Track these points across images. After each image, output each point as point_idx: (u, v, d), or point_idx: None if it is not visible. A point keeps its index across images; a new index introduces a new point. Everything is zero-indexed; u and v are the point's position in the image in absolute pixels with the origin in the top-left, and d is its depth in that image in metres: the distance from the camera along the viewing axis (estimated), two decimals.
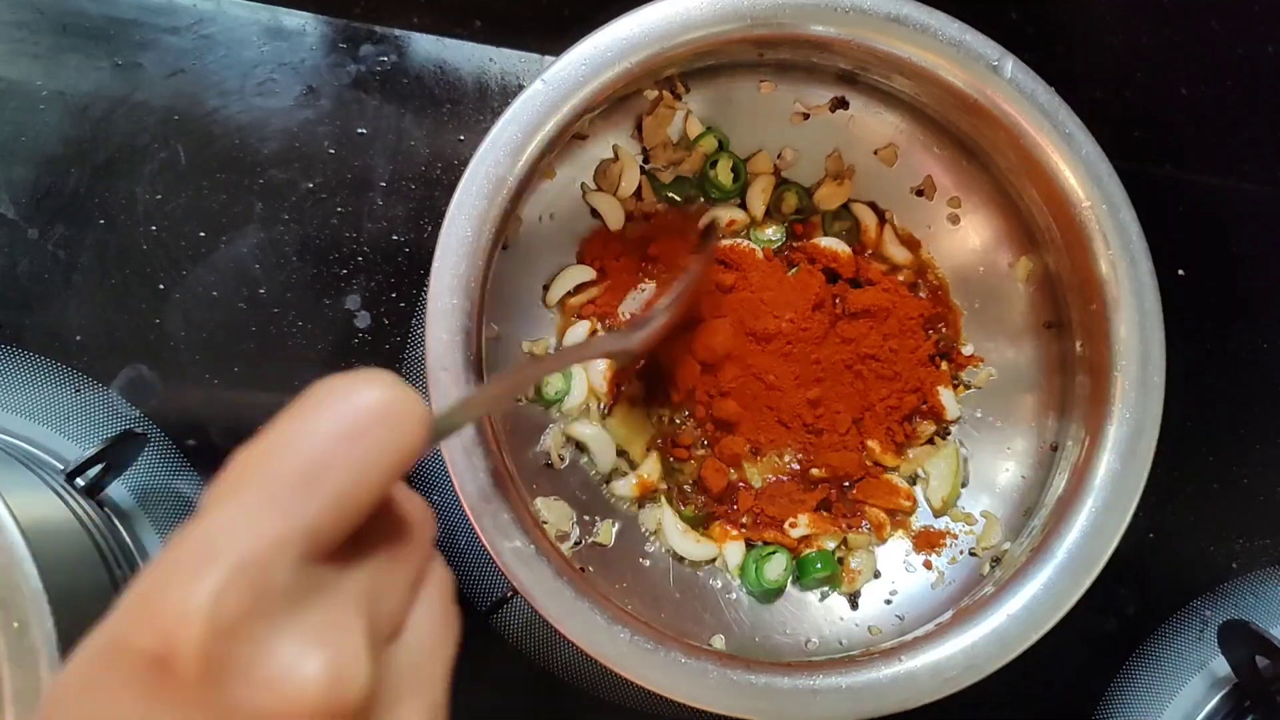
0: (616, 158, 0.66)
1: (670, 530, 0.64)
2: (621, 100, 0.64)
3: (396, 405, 0.30)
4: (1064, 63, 0.77)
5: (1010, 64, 0.59)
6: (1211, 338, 0.76)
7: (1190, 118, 0.79)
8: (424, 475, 0.69)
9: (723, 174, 0.67)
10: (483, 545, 0.53)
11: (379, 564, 0.31)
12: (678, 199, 0.68)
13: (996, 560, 0.63)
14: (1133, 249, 0.59)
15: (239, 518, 0.28)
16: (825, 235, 0.69)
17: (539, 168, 0.56)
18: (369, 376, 0.30)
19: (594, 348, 0.61)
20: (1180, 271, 0.75)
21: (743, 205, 0.69)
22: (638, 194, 0.67)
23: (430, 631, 0.33)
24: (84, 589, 0.56)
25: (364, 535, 0.31)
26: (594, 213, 0.67)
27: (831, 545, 0.66)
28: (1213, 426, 0.76)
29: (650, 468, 0.65)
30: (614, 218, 0.67)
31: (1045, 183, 0.61)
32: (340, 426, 0.29)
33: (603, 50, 0.56)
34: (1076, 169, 0.59)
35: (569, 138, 0.60)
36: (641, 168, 0.67)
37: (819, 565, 0.64)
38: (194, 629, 0.25)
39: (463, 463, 0.53)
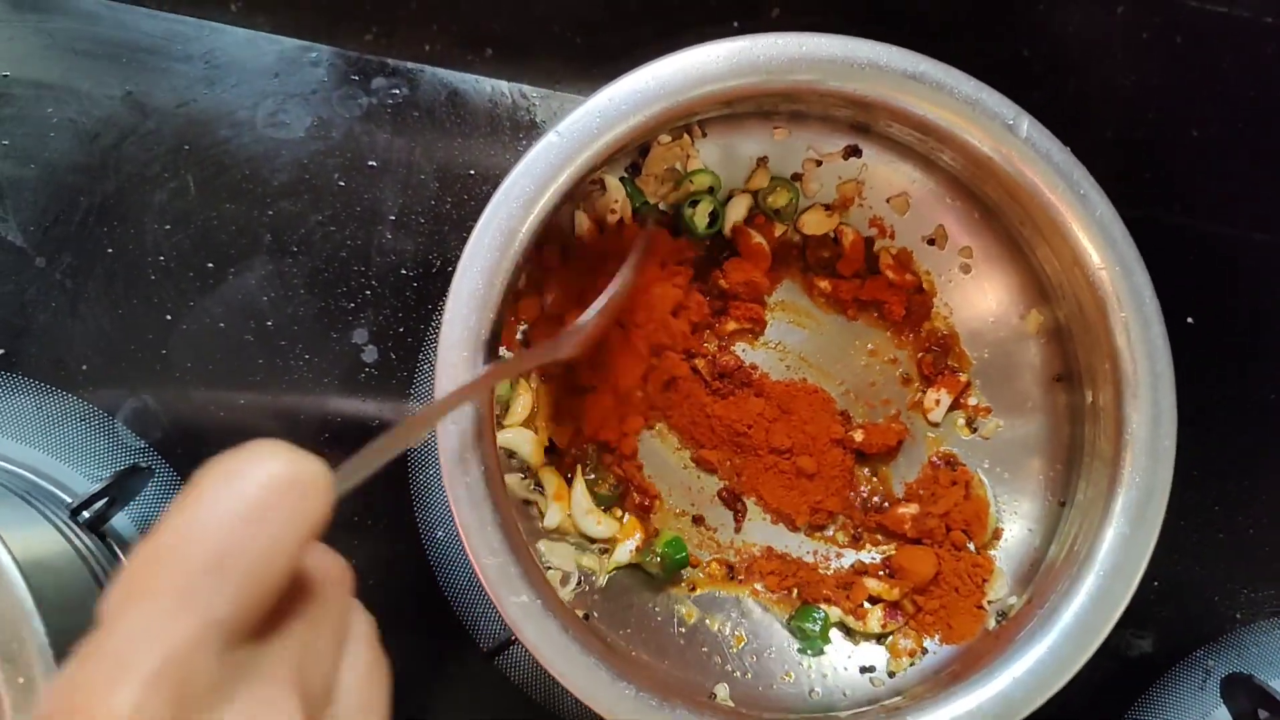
0: (605, 188, 0.66)
1: (578, 507, 0.65)
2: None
3: (297, 475, 0.29)
4: (1074, 102, 0.77)
5: (1026, 123, 0.59)
6: (1219, 387, 0.76)
7: (1201, 160, 0.79)
8: (431, 509, 0.68)
9: (700, 215, 0.67)
10: (489, 596, 0.53)
11: (300, 631, 0.30)
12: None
13: (1003, 614, 0.63)
14: (1145, 312, 0.59)
15: (151, 620, 0.27)
16: (805, 263, 0.69)
17: (552, 219, 0.56)
18: (262, 450, 0.30)
19: (518, 364, 0.60)
20: (1189, 319, 0.75)
21: (721, 235, 0.68)
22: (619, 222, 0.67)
23: (362, 686, 0.33)
24: (87, 629, 0.56)
25: (281, 604, 0.30)
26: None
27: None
28: (1220, 476, 0.75)
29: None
30: (583, 228, 0.66)
31: (1059, 242, 0.61)
32: (242, 506, 0.28)
33: (618, 103, 0.55)
34: (1090, 230, 0.59)
35: (584, 185, 0.60)
36: (624, 180, 0.66)
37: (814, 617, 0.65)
38: None
39: (470, 515, 0.53)
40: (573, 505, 0.64)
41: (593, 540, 0.65)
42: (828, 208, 0.68)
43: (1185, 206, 0.77)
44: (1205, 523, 0.75)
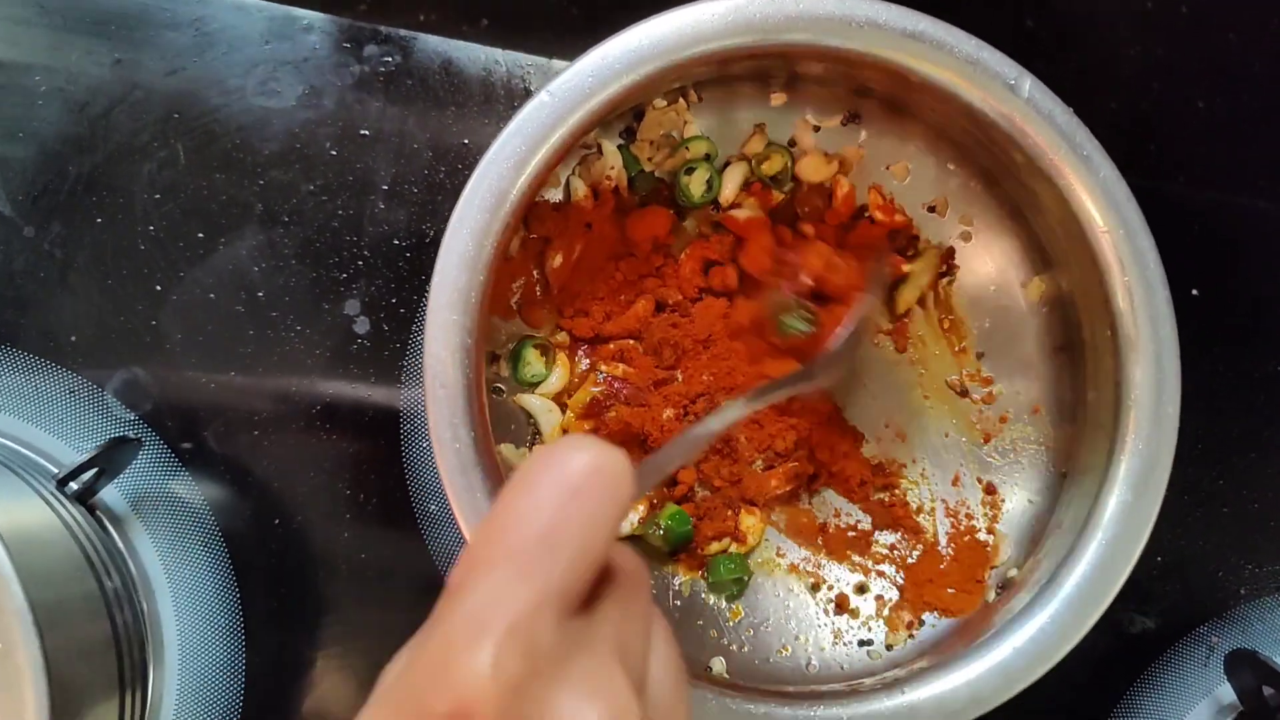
0: (601, 153, 0.64)
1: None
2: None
3: (607, 463, 0.32)
4: (1079, 73, 0.76)
5: (1028, 83, 0.58)
6: (1224, 359, 0.75)
7: (1206, 132, 0.77)
8: (424, 482, 0.68)
9: (695, 184, 0.65)
10: None
11: (615, 614, 0.33)
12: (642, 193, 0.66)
13: (1003, 586, 0.63)
14: (1150, 276, 0.58)
15: (498, 588, 0.30)
16: (794, 212, 0.68)
17: (544, 180, 0.55)
18: (577, 441, 0.33)
19: (781, 389, 0.59)
20: (1194, 291, 0.74)
21: (715, 205, 0.67)
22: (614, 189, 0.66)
23: (669, 680, 0.35)
24: (72, 601, 0.56)
25: (596, 590, 0.33)
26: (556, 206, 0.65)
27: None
28: (1224, 449, 0.74)
29: None
30: (580, 195, 0.65)
31: (1061, 205, 0.59)
32: (563, 490, 0.32)
33: (611, 62, 0.54)
34: (1094, 193, 0.58)
35: (576, 148, 0.59)
36: (620, 147, 0.65)
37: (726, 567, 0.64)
38: (486, 691, 0.27)
39: (459, 481, 0.52)
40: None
41: None
42: (828, 155, 0.67)
43: (1191, 179, 0.76)
44: (1209, 497, 0.74)
